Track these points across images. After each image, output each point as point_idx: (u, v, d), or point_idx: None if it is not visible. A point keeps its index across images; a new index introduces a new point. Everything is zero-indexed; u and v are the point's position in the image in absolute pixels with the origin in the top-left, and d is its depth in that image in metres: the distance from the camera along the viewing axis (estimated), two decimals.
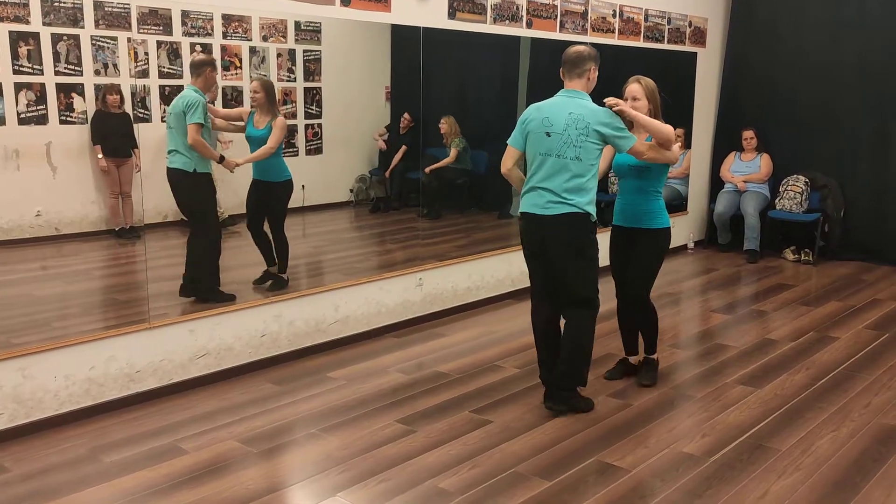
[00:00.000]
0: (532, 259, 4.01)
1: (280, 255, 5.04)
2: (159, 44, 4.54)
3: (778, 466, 3.48)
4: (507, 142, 3.95)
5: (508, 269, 6.13)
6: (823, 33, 7.63)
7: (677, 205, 8.03)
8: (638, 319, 4.44)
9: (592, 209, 3.85)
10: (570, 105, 3.81)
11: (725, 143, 8.19)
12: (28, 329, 3.96)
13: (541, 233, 3.87)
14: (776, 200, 7.72)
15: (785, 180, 7.71)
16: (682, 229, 8.10)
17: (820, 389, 4.39)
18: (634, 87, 4.11)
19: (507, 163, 3.97)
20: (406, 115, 6.07)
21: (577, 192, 3.79)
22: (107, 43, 4.27)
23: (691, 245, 8.20)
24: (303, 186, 5.63)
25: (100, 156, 4.55)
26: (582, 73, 3.85)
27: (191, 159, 4.52)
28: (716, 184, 8.23)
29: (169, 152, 4.54)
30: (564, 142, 3.76)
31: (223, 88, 5.01)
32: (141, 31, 4.37)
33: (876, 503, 3.18)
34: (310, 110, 5.53)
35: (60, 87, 4.24)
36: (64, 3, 4.01)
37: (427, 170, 6.34)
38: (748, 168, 7.86)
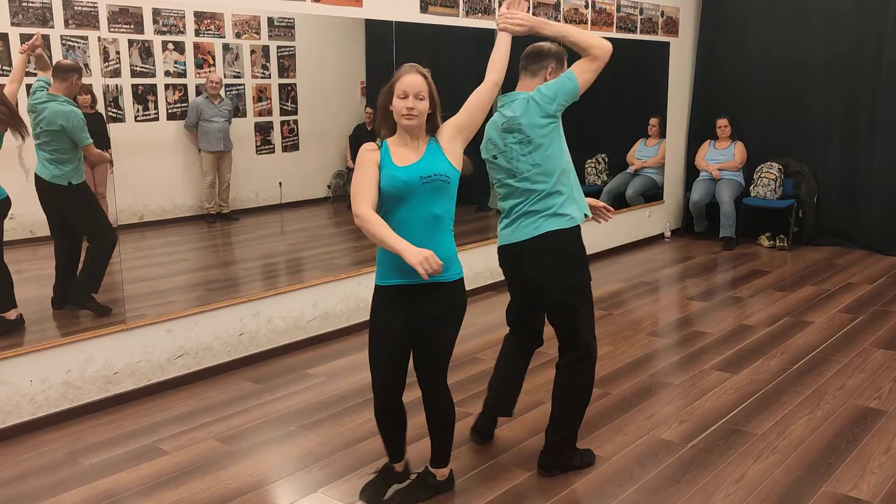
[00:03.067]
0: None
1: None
2: (131, 42, 4.50)
3: (754, 450, 3.52)
4: None
5: (487, 261, 6.14)
6: (793, 23, 7.70)
7: (653, 194, 8.09)
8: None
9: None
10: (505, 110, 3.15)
11: (700, 131, 8.25)
12: (3, 333, 3.92)
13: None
14: (751, 187, 7.79)
15: (759, 167, 7.78)
16: (659, 218, 8.17)
17: (795, 373, 4.45)
18: (418, 82, 2.84)
19: None
20: (369, 109, 6.07)
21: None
22: (77, 43, 4.23)
23: (668, 234, 8.26)
24: (280, 183, 5.61)
25: None
26: (537, 70, 3.20)
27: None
28: (691, 172, 8.29)
29: None
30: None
31: (196, 87, 4.98)
32: (112, 29, 4.33)
33: (850, 483, 3.23)
34: (285, 107, 5.51)
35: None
36: (33, 2, 3.97)
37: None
38: (723, 156, 7.93)
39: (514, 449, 3.55)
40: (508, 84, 3.20)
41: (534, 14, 6.25)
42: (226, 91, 5.12)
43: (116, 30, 4.37)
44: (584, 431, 3.71)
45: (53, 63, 4.14)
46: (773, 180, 7.65)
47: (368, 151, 2.88)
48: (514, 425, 3.78)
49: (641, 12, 7.43)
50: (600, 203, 3.45)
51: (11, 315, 3.99)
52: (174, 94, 4.88)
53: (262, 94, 5.35)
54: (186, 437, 3.70)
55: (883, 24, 7.19)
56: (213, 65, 5.02)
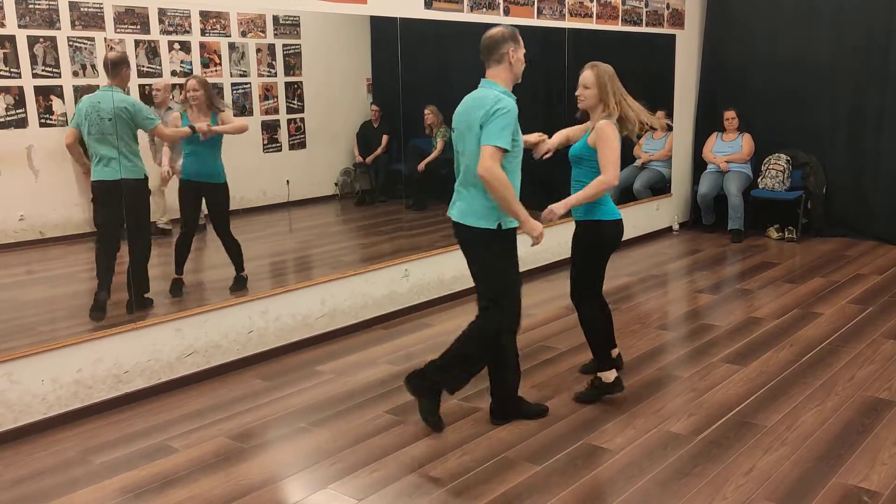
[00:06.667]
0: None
1: (236, 256, 4.87)
2: (137, 43, 4.52)
3: (764, 442, 3.52)
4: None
5: None
6: (800, 14, 7.66)
7: (661, 187, 8.07)
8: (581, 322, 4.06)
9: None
10: (469, 98, 3.55)
11: (707, 124, 8.22)
12: (14, 334, 3.95)
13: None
14: (758, 179, 7.77)
15: (767, 159, 7.75)
16: (667, 211, 8.15)
17: (804, 365, 4.44)
18: (586, 75, 3.77)
19: None
20: (374, 107, 6.09)
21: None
22: (84, 44, 4.25)
23: (676, 227, 8.24)
24: (287, 182, 5.63)
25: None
26: (501, 58, 3.48)
27: (140, 164, 4.37)
28: (698, 165, 8.26)
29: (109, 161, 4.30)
30: (456, 137, 3.59)
31: None
32: (118, 30, 4.36)
33: (860, 474, 3.23)
34: (291, 105, 5.53)
35: (39, 90, 4.22)
36: (39, 4, 3.99)
37: (421, 167, 6.35)
38: (730, 148, 7.90)
39: (523, 444, 3.55)
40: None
41: (538, 7, 6.25)
42: (232, 89, 5.13)
43: (122, 30, 4.39)
44: (593, 425, 3.73)
45: (105, 59, 4.26)
46: (781, 172, 7.62)
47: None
48: (521, 420, 3.78)
49: (647, 5, 7.40)
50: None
51: (244, 274, 4.81)
52: (181, 93, 4.90)
53: (268, 92, 5.37)
54: (197, 435, 3.72)
55: (891, 15, 7.15)
56: (220, 64, 5.04)
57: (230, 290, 4.81)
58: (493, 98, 3.40)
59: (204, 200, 4.84)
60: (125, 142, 4.26)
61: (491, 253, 3.57)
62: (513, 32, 3.53)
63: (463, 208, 3.57)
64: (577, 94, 3.84)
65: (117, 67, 4.26)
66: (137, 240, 4.42)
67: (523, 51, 3.55)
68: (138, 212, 4.42)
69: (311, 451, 3.54)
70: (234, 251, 4.87)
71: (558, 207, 3.68)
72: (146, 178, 4.41)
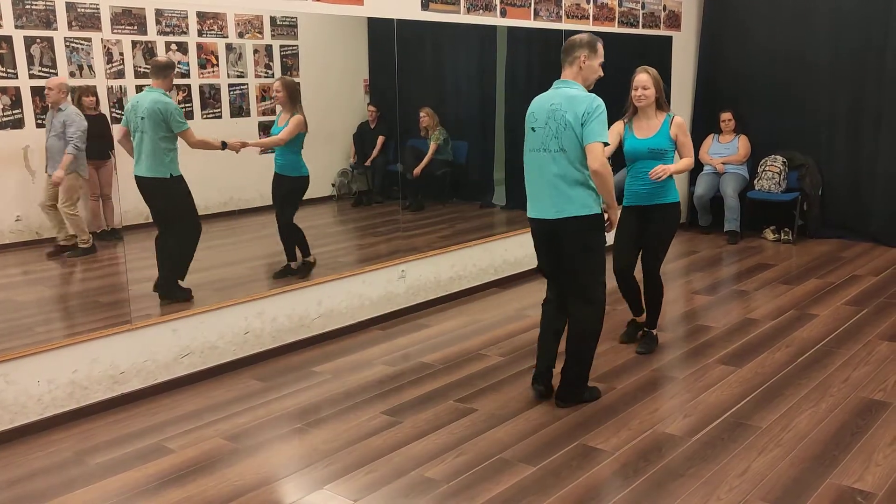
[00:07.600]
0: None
1: (299, 244, 5.23)
2: (134, 43, 4.53)
3: (758, 443, 3.53)
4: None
5: (491, 258, 6.15)
6: (797, 15, 7.67)
7: None
8: (648, 293, 4.68)
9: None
10: (554, 96, 3.73)
11: (703, 125, 8.23)
12: (10, 334, 3.95)
13: None
14: (755, 181, 7.78)
15: (763, 161, 7.77)
16: None
17: (800, 366, 4.45)
18: (643, 78, 4.34)
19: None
20: (371, 108, 6.10)
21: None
22: (81, 44, 4.25)
23: None
24: None
25: None
26: (573, 60, 3.73)
27: (167, 164, 4.55)
28: (695, 167, 8.25)
29: (140, 158, 4.51)
30: (546, 135, 3.69)
31: (200, 87, 5.01)
32: (115, 31, 4.36)
33: (854, 475, 3.24)
34: None
35: (36, 91, 4.22)
36: (36, 5, 3.99)
37: (416, 172, 6.36)
38: (727, 150, 7.91)
39: (518, 445, 3.56)
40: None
41: (534, 9, 6.26)
42: (229, 90, 5.13)
43: (119, 31, 4.39)
44: (588, 426, 3.74)
45: (150, 62, 4.54)
46: (778, 173, 7.63)
47: None
48: (517, 421, 3.79)
49: (643, 7, 7.41)
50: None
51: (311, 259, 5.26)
52: (178, 94, 4.90)
53: (265, 93, 5.37)
54: (193, 436, 3.73)
55: (888, 16, 7.16)
56: (217, 65, 5.04)
57: (274, 275, 5.10)
58: (589, 97, 3.66)
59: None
60: (154, 141, 4.44)
61: (598, 236, 3.81)
62: (591, 41, 3.75)
63: (564, 203, 3.69)
64: (637, 94, 4.37)
65: (165, 70, 4.55)
66: (163, 235, 4.68)
67: (600, 60, 3.77)
68: (163, 209, 4.64)
69: (307, 452, 3.54)
70: (294, 239, 5.23)
71: (668, 169, 4.28)
72: (172, 178, 4.54)
